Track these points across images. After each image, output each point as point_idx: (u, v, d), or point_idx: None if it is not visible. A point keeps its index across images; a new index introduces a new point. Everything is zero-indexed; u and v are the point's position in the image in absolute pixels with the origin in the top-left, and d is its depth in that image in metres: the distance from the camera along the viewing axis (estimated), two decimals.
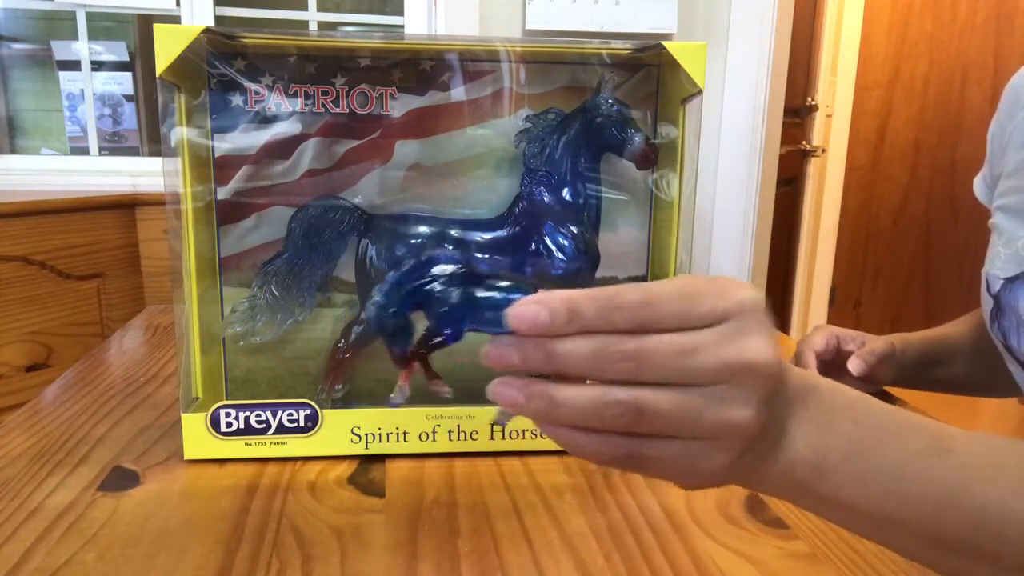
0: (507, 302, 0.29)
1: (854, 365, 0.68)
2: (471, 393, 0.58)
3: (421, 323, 0.43)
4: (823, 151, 3.01)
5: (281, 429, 0.55)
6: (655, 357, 0.28)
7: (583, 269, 0.58)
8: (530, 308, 0.28)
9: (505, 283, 0.31)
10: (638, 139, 0.56)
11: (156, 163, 2.05)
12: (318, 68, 0.55)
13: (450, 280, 0.32)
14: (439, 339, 0.34)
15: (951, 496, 0.32)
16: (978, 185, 0.70)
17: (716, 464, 0.30)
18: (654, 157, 0.57)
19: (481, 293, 0.31)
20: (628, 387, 0.28)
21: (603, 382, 0.29)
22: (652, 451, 0.30)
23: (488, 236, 0.57)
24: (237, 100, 0.55)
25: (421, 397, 0.55)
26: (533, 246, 0.56)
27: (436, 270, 0.33)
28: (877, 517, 0.32)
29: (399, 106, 0.56)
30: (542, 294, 0.29)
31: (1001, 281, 0.61)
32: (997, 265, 0.61)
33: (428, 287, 0.32)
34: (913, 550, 0.34)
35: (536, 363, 0.29)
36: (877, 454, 0.32)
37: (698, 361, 0.28)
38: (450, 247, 0.56)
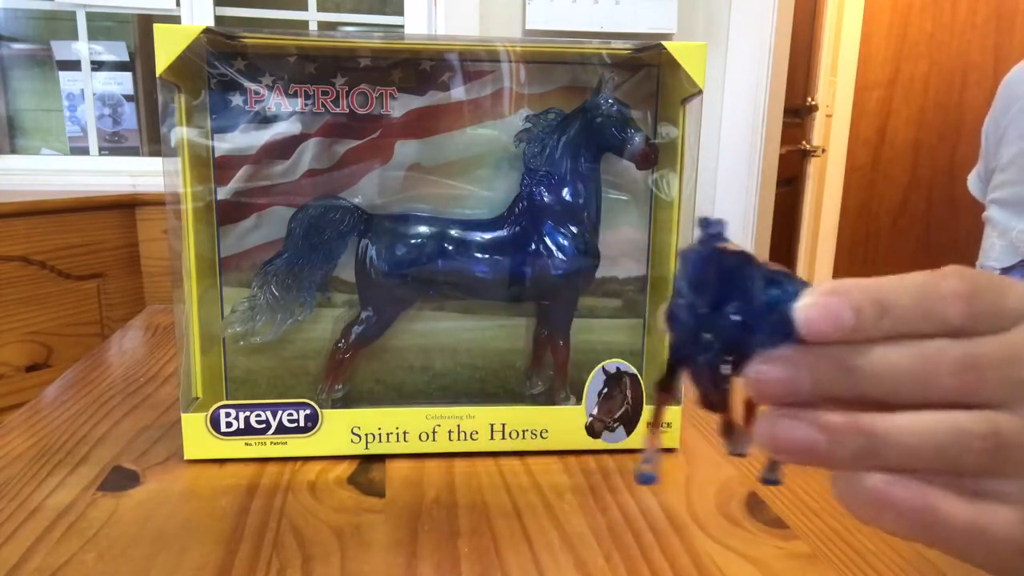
0: (779, 300, 0.21)
1: None
2: (471, 393, 0.58)
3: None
4: (823, 151, 3.01)
5: (281, 429, 0.55)
6: (995, 368, 0.21)
7: (583, 269, 0.58)
8: (828, 303, 0.20)
9: (771, 277, 0.23)
10: (638, 139, 0.56)
11: (156, 163, 2.05)
12: (318, 68, 0.55)
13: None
14: (732, 360, 0.23)
15: None
16: (972, 180, 0.71)
17: None
18: (654, 157, 0.57)
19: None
20: (974, 411, 0.21)
21: (907, 406, 0.21)
22: (1005, 513, 0.21)
23: (488, 236, 0.57)
24: (237, 100, 0.55)
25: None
26: (533, 246, 0.56)
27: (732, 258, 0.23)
28: None
29: (399, 106, 0.56)
30: (832, 284, 0.21)
31: (997, 271, 0.61)
32: (992, 256, 0.62)
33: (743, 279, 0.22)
34: None
35: (829, 383, 0.21)
36: None
37: None
38: (450, 247, 0.56)
